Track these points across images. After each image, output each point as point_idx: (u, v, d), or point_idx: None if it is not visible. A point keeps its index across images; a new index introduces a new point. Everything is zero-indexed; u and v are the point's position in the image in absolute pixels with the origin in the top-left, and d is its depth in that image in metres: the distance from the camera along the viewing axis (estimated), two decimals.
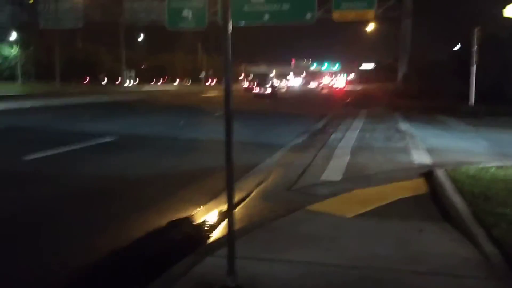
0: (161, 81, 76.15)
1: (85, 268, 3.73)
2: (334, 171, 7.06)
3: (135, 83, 57.35)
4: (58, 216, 5.02)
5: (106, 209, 5.30)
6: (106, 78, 61.84)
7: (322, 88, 71.90)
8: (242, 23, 28.19)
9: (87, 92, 39.78)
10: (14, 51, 50.81)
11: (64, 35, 52.62)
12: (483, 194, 5.02)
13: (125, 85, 56.30)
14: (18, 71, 49.84)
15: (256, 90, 38.49)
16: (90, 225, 4.76)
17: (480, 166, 6.74)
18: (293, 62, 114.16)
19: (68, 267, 3.75)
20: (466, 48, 20.92)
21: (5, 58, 51.39)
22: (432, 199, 5.42)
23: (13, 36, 50.14)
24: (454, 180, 5.69)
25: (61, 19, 34.13)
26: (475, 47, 18.81)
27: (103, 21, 35.28)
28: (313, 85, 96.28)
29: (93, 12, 33.34)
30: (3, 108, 19.17)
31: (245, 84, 51.93)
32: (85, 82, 59.70)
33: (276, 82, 53.63)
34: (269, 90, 38.21)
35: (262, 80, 41.27)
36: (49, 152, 8.42)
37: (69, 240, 4.34)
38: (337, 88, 68.52)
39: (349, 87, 70.01)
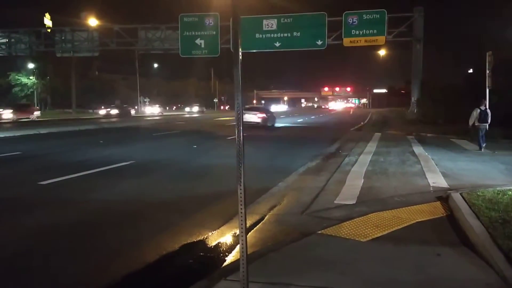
0: (175, 107, 77.47)
1: None
2: (348, 194, 7.00)
3: (151, 108, 58.19)
4: (72, 240, 5.04)
5: (120, 233, 5.31)
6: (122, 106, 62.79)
7: (332, 110, 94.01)
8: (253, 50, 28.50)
9: (104, 118, 40.64)
10: (30, 81, 52.22)
11: (80, 64, 54.03)
12: (501, 218, 4.93)
13: (142, 110, 57.35)
14: (35, 99, 50.99)
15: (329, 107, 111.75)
16: (105, 248, 4.77)
17: (497, 189, 6.63)
18: None
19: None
20: (479, 72, 20.76)
21: (23, 86, 52.69)
22: (449, 223, 5.33)
23: (31, 65, 51.64)
24: (471, 204, 5.60)
25: (77, 48, 35.07)
26: (488, 71, 18.68)
27: (118, 49, 36.15)
28: (326, 107, 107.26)
29: (108, 41, 34.10)
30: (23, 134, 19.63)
31: (318, 105, 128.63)
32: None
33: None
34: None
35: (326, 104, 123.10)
36: (66, 176, 8.52)
37: (83, 263, 4.35)
38: (350, 110, 71.81)
39: (361, 111, 70.25)
